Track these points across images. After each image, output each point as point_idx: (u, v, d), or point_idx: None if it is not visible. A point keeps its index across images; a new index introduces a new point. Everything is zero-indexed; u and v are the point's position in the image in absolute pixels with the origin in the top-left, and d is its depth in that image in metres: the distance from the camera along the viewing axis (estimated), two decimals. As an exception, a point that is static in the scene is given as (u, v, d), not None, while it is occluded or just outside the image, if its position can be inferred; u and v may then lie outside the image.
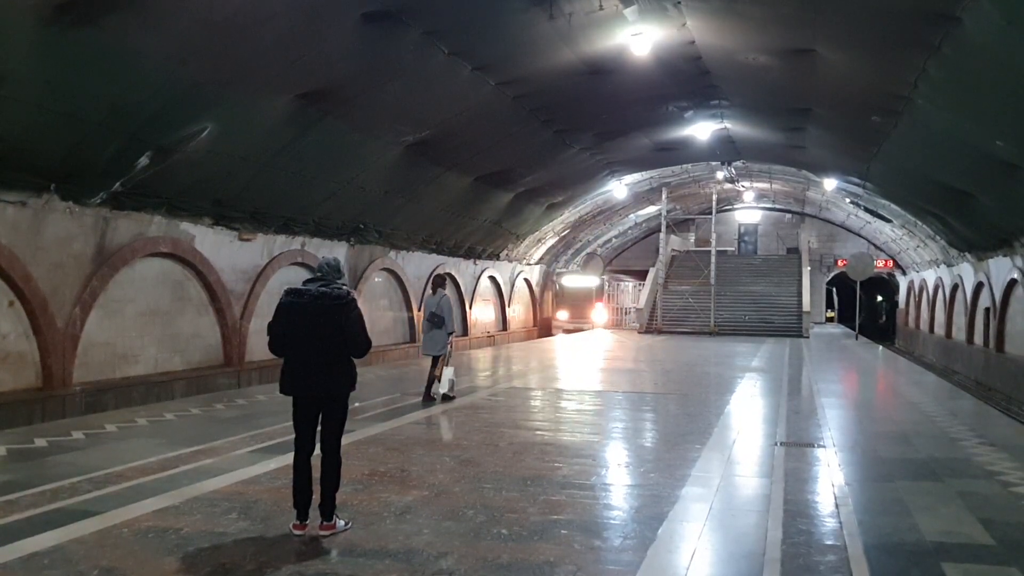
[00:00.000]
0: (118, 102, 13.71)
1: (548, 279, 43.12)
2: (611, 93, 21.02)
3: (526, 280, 41.24)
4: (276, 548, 5.85)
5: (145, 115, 14.30)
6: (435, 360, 13.56)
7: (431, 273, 28.89)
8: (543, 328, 42.23)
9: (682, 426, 11.62)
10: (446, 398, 13.54)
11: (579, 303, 41.02)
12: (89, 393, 16.09)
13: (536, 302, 42.68)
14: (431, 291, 14.02)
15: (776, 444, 10.33)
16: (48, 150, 13.90)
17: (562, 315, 41.06)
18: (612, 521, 6.77)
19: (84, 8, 11.42)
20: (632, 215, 44.65)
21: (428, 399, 13.46)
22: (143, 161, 15.41)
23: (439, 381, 13.50)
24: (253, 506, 6.91)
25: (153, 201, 16.94)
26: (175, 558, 5.56)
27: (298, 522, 6.14)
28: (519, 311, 40.62)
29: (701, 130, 26.38)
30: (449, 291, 27.73)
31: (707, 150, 29.92)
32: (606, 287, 43.03)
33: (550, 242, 40.52)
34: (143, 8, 11.99)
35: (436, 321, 13.32)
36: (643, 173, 34.67)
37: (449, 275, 31.64)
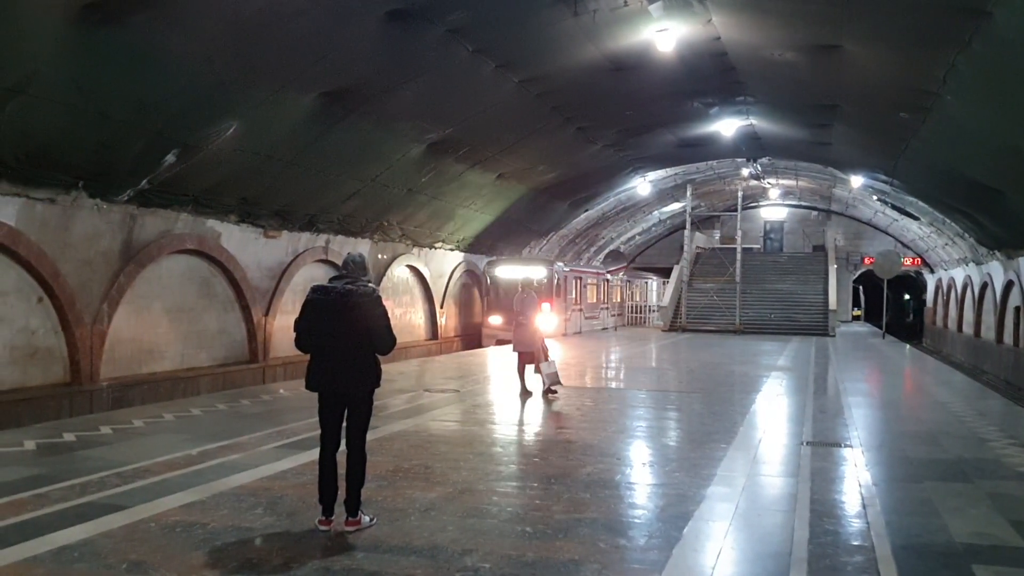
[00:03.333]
0: (145, 100, 13.82)
1: (483, 273, 32.32)
2: (635, 89, 20.94)
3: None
4: (302, 543, 5.87)
5: (171, 113, 14.41)
6: (524, 356, 14.12)
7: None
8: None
9: (707, 425, 11.55)
10: (550, 390, 14.05)
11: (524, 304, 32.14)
12: (116, 388, 16.25)
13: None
14: (522, 291, 14.55)
15: (802, 443, 10.25)
16: (76, 148, 14.03)
17: (495, 320, 30.13)
18: (637, 520, 6.74)
19: (111, 7, 11.51)
20: (656, 212, 44.48)
21: (524, 392, 14.01)
22: (169, 159, 15.52)
23: (538, 373, 14.09)
24: (279, 501, 6.94)
25: (179, 198, 17.07)
26: (202, 552, 5.60)
27: (324, 518, 6.16)
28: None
29: (726, 126, 26.22)
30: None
31: (732, 147, 29.75)
32: (558, 280, 31.58)
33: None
34: (169, 7, 12.07)
35: (524, 319, 13.95)
36: (667, 170, 34.54)
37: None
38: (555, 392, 14.08)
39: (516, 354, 14.33)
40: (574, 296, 33.89)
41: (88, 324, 15.66)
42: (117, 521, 6.22)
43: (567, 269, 33.41)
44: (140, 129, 14.37)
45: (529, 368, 14.28)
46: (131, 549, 5.62)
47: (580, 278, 35.23)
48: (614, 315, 41.23)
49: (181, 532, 6.03)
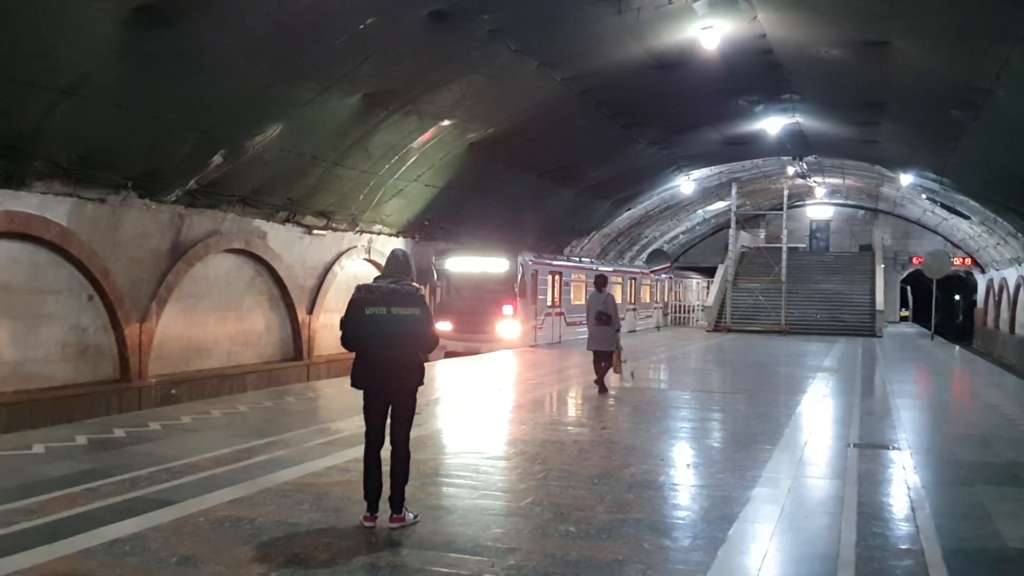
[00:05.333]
0: (192, 101, 14.03)
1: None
2: (679, 87, 20.83)
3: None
4: (347, 539, 5.91)
5: (218, 114, 14.62)
6: (600, 354, 14.19)
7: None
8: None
9: (752, 426, 11.43)
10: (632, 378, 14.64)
11: (476, 306, 24.12)
12: (164, 385, 16.52)
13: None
14: (595, 290, 14.55)
15: (849, 445, 10.11)
16: (126, 149, 14.30)
17: (444, 325, 22.97)
18: (681, 521, 6.69)
19: (160, 10, 11.70)
20: (700, 211, 44.17)
21: (603, 390, 14.04)
22: (216, 159, 15.75)
23: (618, 373, 14.35)
24: (324, 498, 7.00)
25: (226, 198, 17.32)
26: (250, 547, 5.67)
27: (368, 514, 6.20)
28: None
29: (772, 124, 25.98)
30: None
31: (778, 145, 29.45)
32: (522, 275, 24.63)
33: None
34: (216, 9, 12.25)
35: (604, 319, 13.95)
36: (712, 168, 34.30)
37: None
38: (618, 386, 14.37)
39: (592, 352, 14.43)
40: (549, 297, 26.89)
41: (137, 322, 15.94)
42: (166, 516, 6.31)
43: (533, 262, 25.64)
44: (188, 130, 14.60)
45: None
46: (180, 543, 5.71)
47: (558, 274, 27.74)
48: (647, 316, 38.58)
49: (229, 527, 6.11)
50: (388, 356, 6.27)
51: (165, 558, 5.40)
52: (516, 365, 19.35)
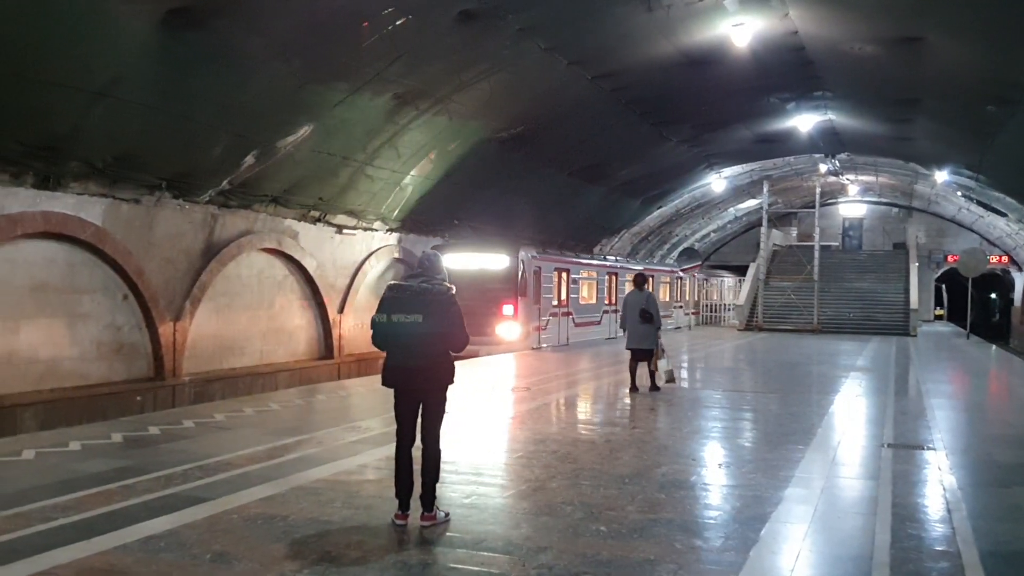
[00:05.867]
0: (225, 102, 14.15)
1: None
2: (710, 84, 20.71)
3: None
4: (379, 537, 5.94)
5: (251, 115, 14.74)
6: (640, 353, 14.16)
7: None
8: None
9: (784, 426, 11.34)
10: (670, 379, 14.43)
11: (473, 306, 19.94)
12: (197, 383, 16.68)
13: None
14: (635, 288, 14.46)
15: (883, 446, 10.00)
16: (160, 150, 14.45)
17: None
18: (713, 521, 6.65)
19: (194, 12, 11.82)
20: (731, 209, 43.89)
21: (635, 388, 14.08)
22: (249, 160, 15.88)
23: (656, 372, 14.20)
24: (356, 495, 7.04)
25: (258, 198, 17.46)
26: (283, 545, 5.71)
27: (400, 512, 6.23)
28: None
29: (804, 122, 25.75)
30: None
31: (810, 142, 29.20)
32: (523, 272, 22.85)
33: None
34: (249, 10, 12.34)
35: (646, 317, 13.90)
36: (743, 166, 34.07)
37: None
38: (657, 387, 14.21)
39: (629, 351, 14.39)
40: (555, 295, 25.03)
41: (171, 321, 16.12)
42: (200, 512, 6.38)
43: (536, 257, 23.65)
44: (221, 131, 14.73)
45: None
46: (214, 540, 5.76)
47: (565, 271, 25.73)
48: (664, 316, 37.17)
49: (262, 524, 6.16)
50: (418, 355, 6.29)
51: (199, 555, 5.45)
52: (508, 372, 17.92)
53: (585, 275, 27.67)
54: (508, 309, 22.53)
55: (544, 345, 23.68)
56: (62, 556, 5.34)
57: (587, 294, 27.89)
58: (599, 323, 28.61)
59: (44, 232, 13.82)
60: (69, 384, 14.54)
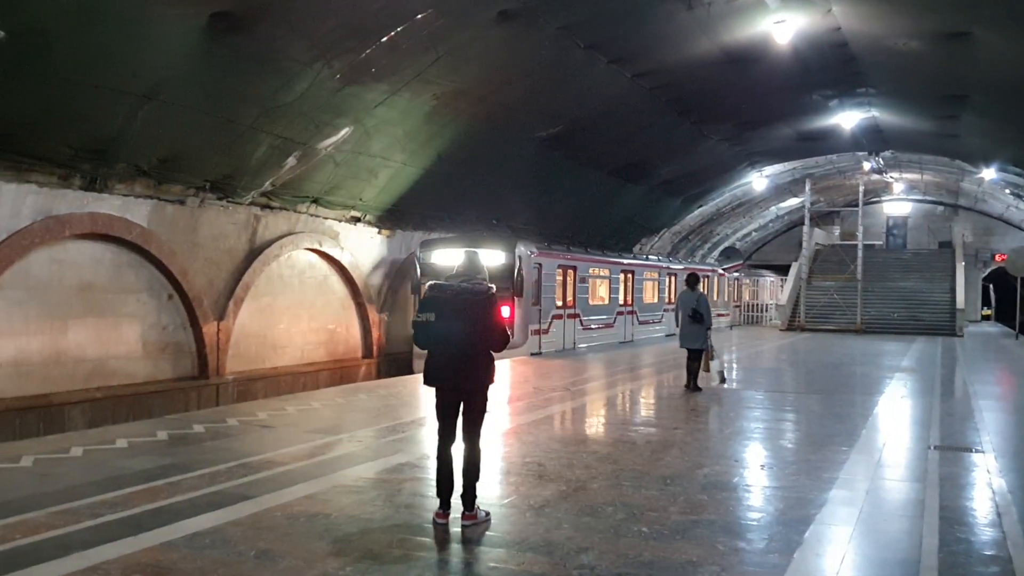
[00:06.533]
0: (268, 104, 14.30)
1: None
2: (752, 82, 20.51)
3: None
4: (420, 535, 5.97)
5: (293, 117, 14.87)
6: (693, 352, 14.24)
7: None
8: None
9: (827, 427, 11.21)
10: (721, 380, 14.82)
11: None
12: (240, 382, 16.88)
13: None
14: (687, 288, 14.55)
15: (929, 448, 9.84)
16: (204, 151, 14.64)
17: None
18: (756, 523, 6.60)
19: (237, 15, 11.95)
20: (773, 207, 43.49)
21: (695, 388, 14.20)
22: (291, 161, 16.03)
23: (708, 372, 14.31)
24: (397, 494, 7.08)
25: (300, 199, 17.61)
26: (325, 542, 5.76)
27: (441, 511, 6.25)
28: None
29: (847, 119, 25.40)
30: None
31: (853, 140, 28.80)
32: (519, 270, 20.55)
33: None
34: (289, 14, 12.45)
35: (697, 317, 13.98)
36: (785, 164, 33.74)
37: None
38: (699, 388, 14.28)
39: (684, 350, 14.45)
40: (560, 296, 22.95)
41: (215, 320, 16.32)
42: (245, 510, 6.45)
43: (536, 253, 21.45)
44: (263, 132, 14.88)
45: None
46: (258, 537, 5.83)
47: (572, 269, 23.62)
48: (726, 314, 35.52)
49: (305, 522, 6.22)
50: (458, 354, 6.32)
51: (244, 551, 5.52)
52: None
53: (596, 273, 25.61)
54: (504, 311, 19.58)
55: (545, 350, 21.56)
56: (110, 552, 5.43)
57: (599, 294, 25.84)
58: (612, 326, 26.44)
59: (91, 233, 14.06)
60: (116, 383, 14.78)
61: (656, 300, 30.61)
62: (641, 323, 28.59)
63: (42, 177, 13.00)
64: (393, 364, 21.27)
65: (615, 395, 14.44)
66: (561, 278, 22.96)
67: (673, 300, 30.31)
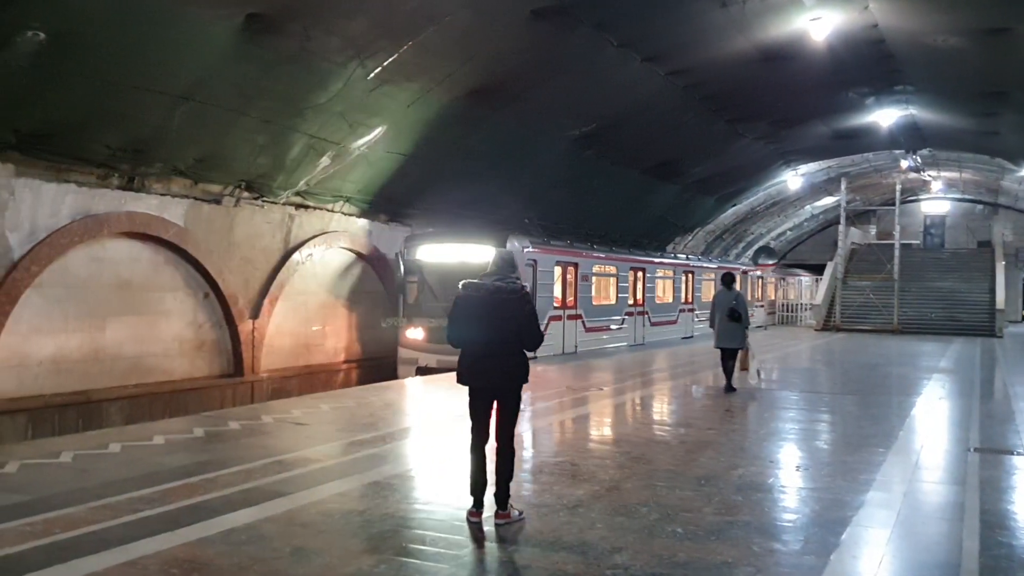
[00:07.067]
0: (302, 104, 14.41)
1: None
2: (787, 80, 20.34)
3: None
4: (454, 534, 5.97)
5: (327, 116, 14.96)
6: (729, 352, 14.15)
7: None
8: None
9: (864, 428, 11.08)
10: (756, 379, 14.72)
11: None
12: (275, 380, 17.01)
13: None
14: (723, 287, 14.47)
15: (969, 450, 9.69)
16: (239, 151, 14.77)
17: (415, 333, 18.74)
18: (791, 524, 6.53)
19: (272, 16, 12.05)
20: (808, 206, 43.11)
21: (730, 388, 14.07)
22: (325, 161, 16.14)
23: (747, 371, 14.32)
24: (430, 492, 7.10)
25: (333, 199, 17.72)
26: (360, 540, 5.78)
27: (474, 509, 6.25)
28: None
29: (884, 117, 25.13)
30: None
31: (890, 138, 28.48)
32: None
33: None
34: (324, 14, 12.53)
35: (735, 316, 13.90)
36: (820, 163, 33.44)
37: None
38: (733, 388, 14.19)
39: (719, 350, 14.35)
40: (559, 295, 21.23)
41: (250, 318, 16.46)
42: (280, 507, 6.50)
43: (530, 248, 19.57)
44: (298, 132, 15.00)
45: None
46: (293, 534, 5.86)
47: (572, 266, 21.76)
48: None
49: (339, 519, 6.25)
50: (491, 353, 6.32)
51: (279, 548, 5.55)
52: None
53: (601, 270, 23.72)
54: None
55: (540, 354, 18.91)
56: (148, 547, 5.48)
57: (604, 293, 24.01)
58: (620, 327, 24.50)
59: (129, 232, 14.25)
60: (153, 380, 14.96)
61: (671, 300, 28.61)
62: (654, 324, 26.73)
63: (81, 177, 13.20)
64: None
65: (648, 395, 14.36)
66: (560, 276, 21.19)
67: (689, 300, 29.81)
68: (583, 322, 22.12)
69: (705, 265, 32.43)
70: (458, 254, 18.45)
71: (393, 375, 18.42)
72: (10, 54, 10.66)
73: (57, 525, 5.88)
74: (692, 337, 28.58)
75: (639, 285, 25.84)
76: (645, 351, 22.83)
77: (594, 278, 23.12)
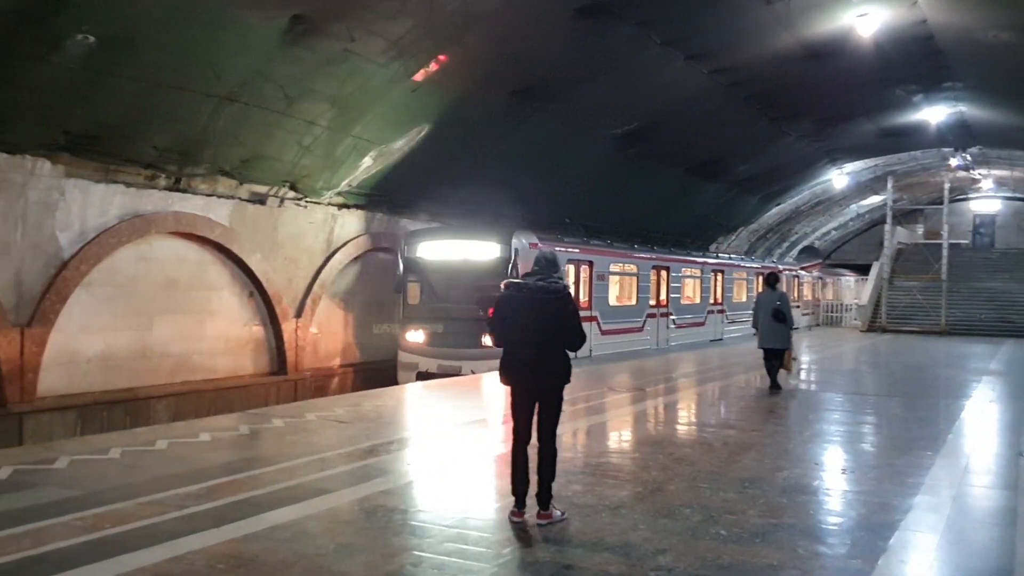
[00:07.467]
0: (345, 106, 14.51)
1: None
2: (832, 77, 20.08)
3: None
4: (496, 533, 5.97)
5: (369, 117, 15.06)
6: (773, 352, 14.13)
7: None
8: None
9: (911, 431, 10.89)
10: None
11: (455, 309, 17.48)
12: (317, 378, 17.15)
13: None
14: (767, 288, 14.44)
15: (1021, 454, 9.47)
16: (283, 152, 14.92)
17: (415, 336, 17.76)
18: (837, 527, 6.43)
19: (315, 17, 12.16)
20: (853, 205, 42.55)
21: (776, 388, 14.11)
22: (367, 161, 16.23)
23: (788, 371, 14.23)
24: (472, 491, 7.11)
25: (375, 199, 17.81)
26: (401, 538, 5.80)
27: (516, 509, 6.24)
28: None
29: (932, 114, 24.72)
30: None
31: (938, 136, 28.01)
32: (514, 264, 17.08)
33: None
34: (365, 15, 12.62)
35: (780, 316, 13.89)
36: (866, 161, 32.99)
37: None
38: (779, 387, 14.18)
39: (762, 350, 14.33)
40: (576, 295, 19.50)
41: (293, 317, 16.61)
42: (323, 504, 6.54)
43: (536, 244, 17.81)
44: (341, 133, 15.11)
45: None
46: (337, 531, 5.90)
47: (587, 264, 20.40)
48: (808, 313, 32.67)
49: (382, 516, 6.28)
50: (534, 353, 6.30)
51: (323, 545, 5.59)
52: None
53: (620, 269, 22.39)
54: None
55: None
56: (195, 543, 5.55)
57: (623, 293, 22.92)
58: (641, 329, 22.90)
59: (175, 232, 14.46)
60: (198, 378, 15.16)
61: (698, 300, 27.14)
62: (679, 327, 25.26)
63: (129, 177, 13.42)
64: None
65: (690, 396, 14.26)
66: (574, 275, 19.83)
67: (719, 300, 28.50)
68: (599, 324, 20.90)
69: (736, 264, 31.20)
70: (456, 251, 17.75)
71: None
72: (61, 57, 10.88)
73: (106, 520, 5.97)
74: (721, 340, 27.48)
75: (662, 285, 24.44)
76: (668, 355, 21.46)
77: (611, 277, 21.89)
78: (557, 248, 18.13)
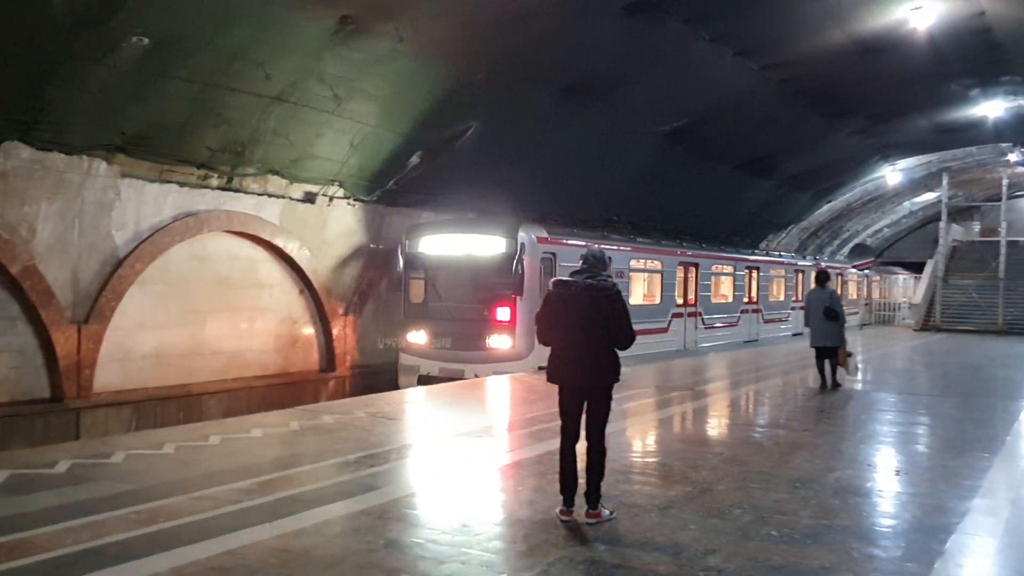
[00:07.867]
0: (392, 104, 14.60)
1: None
2: (885, 72, 19.75)
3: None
4: (544, 532, 5.95)
5: (416, 116, 15.13)
6: (825, 351, 14.07)
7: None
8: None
9: (967, 432, 10.67)
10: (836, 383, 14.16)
11: (458, 308, 16.64)
12: (365, 375, 17.26)
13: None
14: (817, 285, 14.37)
15: (1082, 456, 9.25)
16: (332, 152, 15.06)
17: (417, 337, 16.81)
18: (891, 530, 6.32)
19: (363, 17, 12.25)
20: (906, 202, 41.81)
21: (835, 385, 14.05)
22: (414, 160, 16.30)
23: (846, 369, 14.15)
24: (520, 489, 7.10)
25: (421, 198, 17.87)
26: (451, 535, 5.80)
27: (564, 508, 6.22)
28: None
29: (989, 109, 24.20)
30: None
31: (995, 131, 27.38)
32: (519, 260, 15.87)
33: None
34: (412, 14, 12.68)
35: (831, 314, 13.80)
36: (919, 157, 32.38)
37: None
38: (839, 385, 14.10)
39: (815, 349, 14.24)
40: None
41: (341, 315, 16.76)
42: (373, 500, 6.58)
43: (544, 239, 16.80)
44: (389, 131, 15.21)
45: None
46: (386, 527, 5.93)
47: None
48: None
49: (432, 513, 6.31)
50: (582, 351, 6.28)
51: (373, 541, 5.62)
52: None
53: (641, 266, 20.97)
54: (502, 313, 15.99)
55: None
56: (246, 537, 5.61)
57: (646, 292, 21.75)
58: (666, 331, 21.40)
59: (228, 230, 14.66)
60: (250, 374, 15.36)
61: (731, 299, 25.55)
62: (708, 328, 23.62)
63: (182, 177, 13.64)
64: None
65: (738, 396, 14.12)
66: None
67: (754, 299, 26.93)
68: None
69: (774, 260, 29.63)
70: (460, 246, 16.74)
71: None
72: (116, 59, 11.09)
73: (161, 514, 6.07)
74: (756, 341, 26.07)
75: (690, 283, 22.82)
76: (695, 358, 20.22)
77: (631, 275, 20.33)
78: (570, 242, 17.47)
